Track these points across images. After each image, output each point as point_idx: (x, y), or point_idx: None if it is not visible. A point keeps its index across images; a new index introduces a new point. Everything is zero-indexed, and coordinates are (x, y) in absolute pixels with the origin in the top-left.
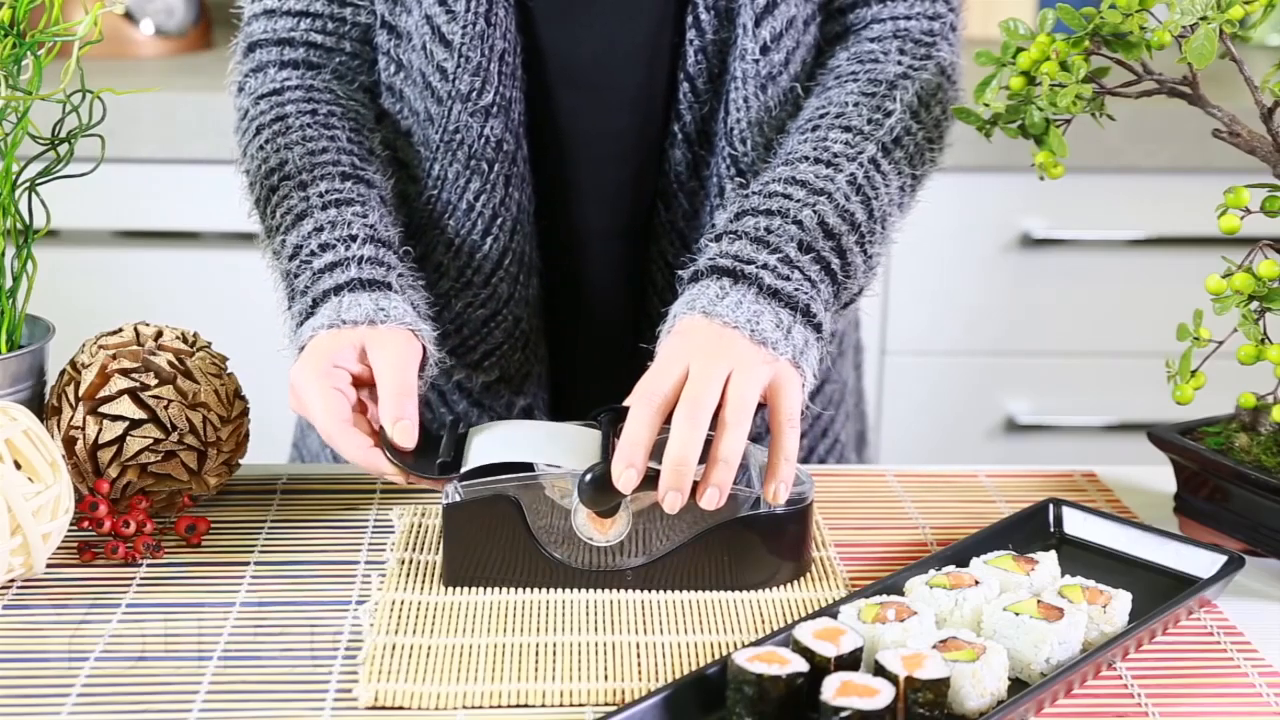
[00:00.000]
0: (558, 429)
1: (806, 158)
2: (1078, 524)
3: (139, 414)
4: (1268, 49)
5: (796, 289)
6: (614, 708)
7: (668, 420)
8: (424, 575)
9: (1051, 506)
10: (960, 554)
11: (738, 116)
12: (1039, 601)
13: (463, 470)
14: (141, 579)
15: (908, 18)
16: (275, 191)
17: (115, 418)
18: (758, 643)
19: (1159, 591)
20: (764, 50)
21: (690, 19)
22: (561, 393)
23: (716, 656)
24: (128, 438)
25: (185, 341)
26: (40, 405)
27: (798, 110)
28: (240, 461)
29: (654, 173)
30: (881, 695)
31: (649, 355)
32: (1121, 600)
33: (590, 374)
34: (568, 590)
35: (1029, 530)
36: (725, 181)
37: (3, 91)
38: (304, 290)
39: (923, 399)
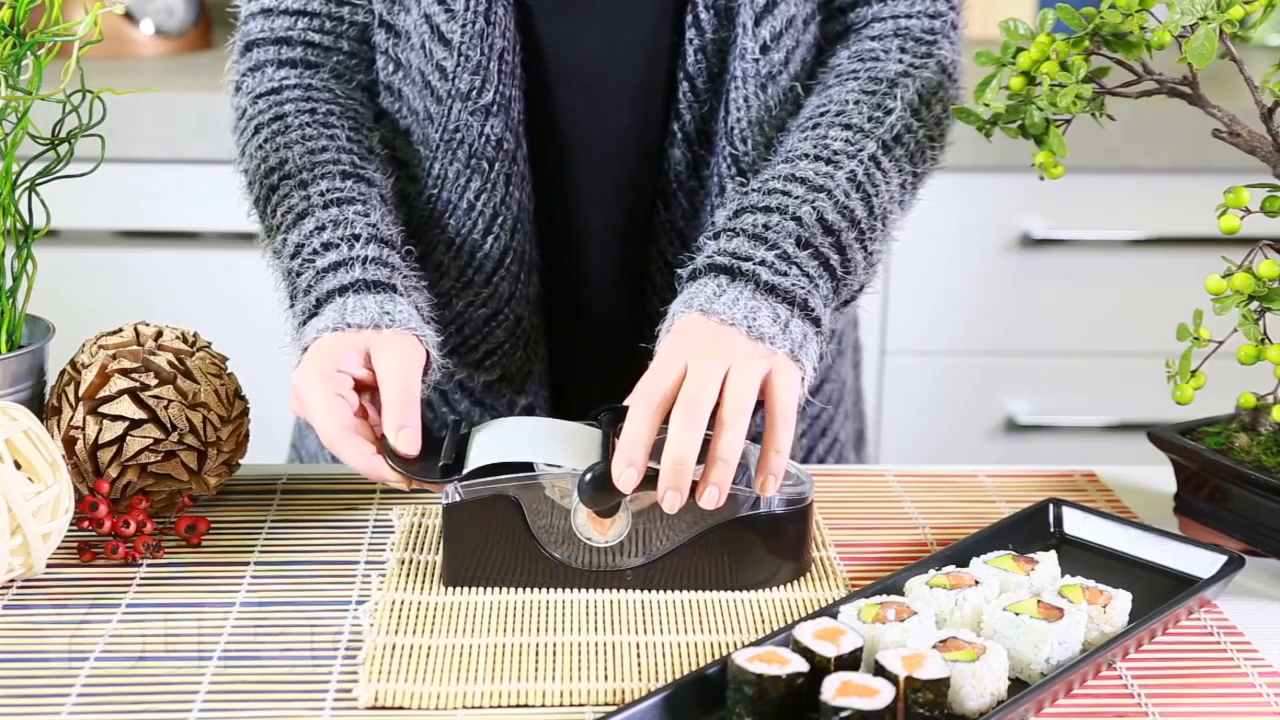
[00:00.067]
0: (558, 426)
1: (806, 155)
2: (1078, 524)
3: (139, 414)
4: (1268, 49)
5: (794, 284)
6: (614, 708)
7: (668, 419)
8: (424, 575)
9: (1051, 506)
10: (960, 554)
11: (738, 116)
12: (1039, 601)
13: (464, 472)
14: (141, 579)
15: (908, 16)
16: (275, 190)
17: (115, 418)
18: (758, 643)
19: (1159, 591)
20: (764, 49)
21: (690, 18)
22: (561, 392)
23: (716, 656)
24: (128, 438)
25: (185, 341)
26: (40, 405)
27: (798, 109)
28: (240, 461)
29: (653, 172)
30: (881, 695)
31: (649, 355)
32: (1121, 600)
33: (590, 373)
34: (568, 590)
35: (1029, 530)
36: (726, 181)
37: (3, 91)
38: (307, 289)
39: (923, 399)
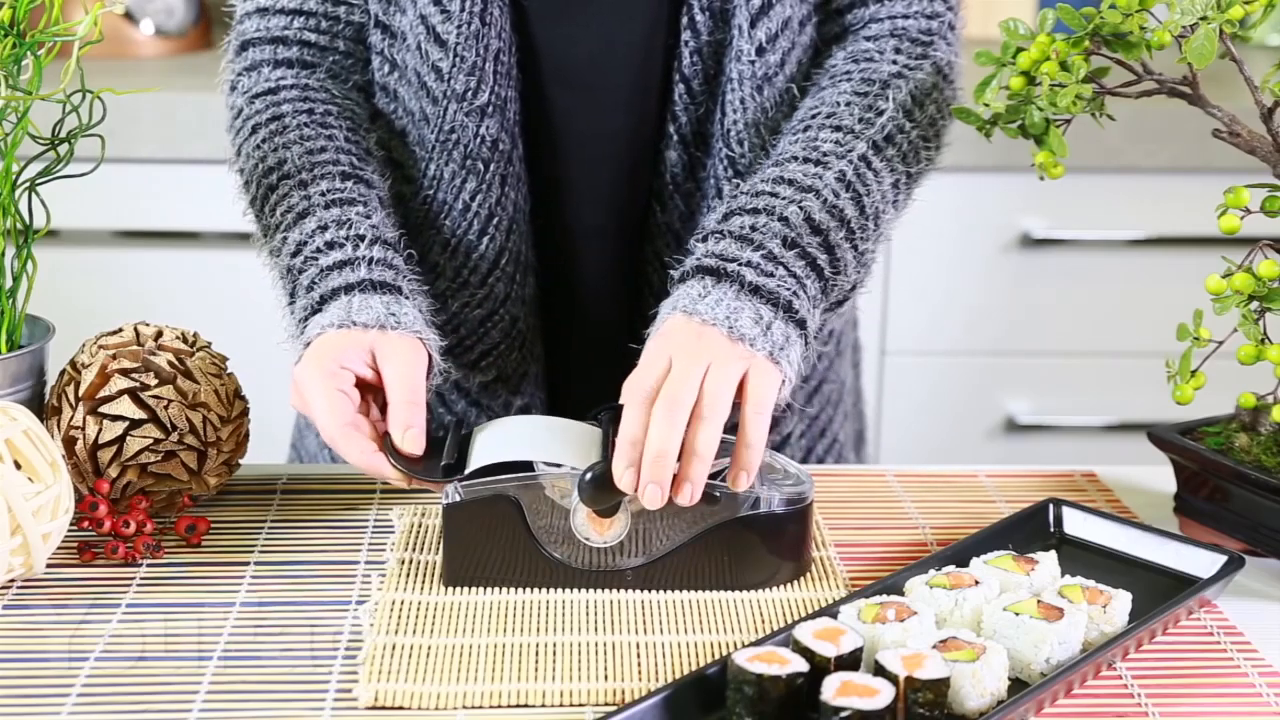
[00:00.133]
0: (560, 425)
1: (796, 157)
2: (1078, 524)
3: (139, 414)
4: (1268, 49)
5: (779, 285)
6: (614, 708)
7: None
8: (424, 575)
9: (1051, 506)
10: (960, 554)
11: (734, 118)
12: (1039, 601)
13: (466, 472)
14: (141, 579)
15: (905, 17)
16: (274, 190)
17: (115, 418)
18: (758, 643)
19: (1159, 591)
20: (760, 52)
21: (685, 20)
22: (557, 393)
23: (716, 656)
24: (128, 438)
25: (185, 341)
26: (40, 405)
27: (794, 111)
28: (240, 461)
29: (649, 173)
30: (881, 695)
31: (638, 356)
32: (1121, 600)
33: (586, 374)
34: (568, 590)
35: (1029, 530)
36: (722, 183)
37: (3, 91)
38: (310, 286)
39: (923, 399)
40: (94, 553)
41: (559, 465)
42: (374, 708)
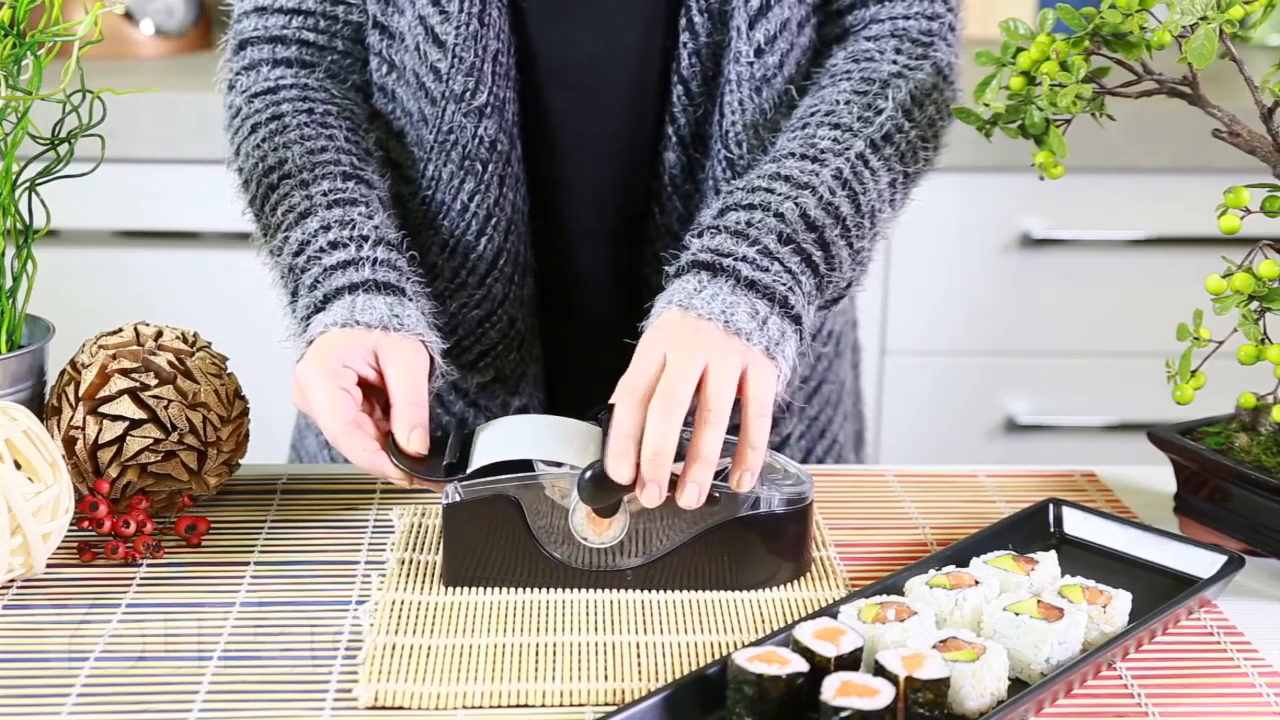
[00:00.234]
0: (562, 425)
1: (793, 154)
2: (1078, 524)
3: (139, 414)
4: (1268, 49)
5: (774, 280)
6: (614, 708)
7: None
8: (424, 575)
9: (1051, 506)
10: (960, 554)
11: (733, 119)
12: (1039, 601)
13: (467, 471)
14: (141, 579)
15: (905, 17)
16: (275, 190)
17: (115, 418)
18: (758, 643)
19: (1159, 591)
20: (758, 53)
21: (683, 21)
22: (555, 393)
23: (716, 656)
24: (128, 438)
25: (185, 341)
26: (40, 405)
27: (793, 111)
28: (240, 461)
29: (647, 175)
30: (881, 695)
31: (633, 352)
32: (1121, 600)
33: (584, 375)
34: (568, 590)
35: (1029, 530)
36: (721, 184)
37: (3, 91)
38: (313, 285)
39: (923, 399)
40: (94, 553)
41: (560, 464)
42: (374, 708)
